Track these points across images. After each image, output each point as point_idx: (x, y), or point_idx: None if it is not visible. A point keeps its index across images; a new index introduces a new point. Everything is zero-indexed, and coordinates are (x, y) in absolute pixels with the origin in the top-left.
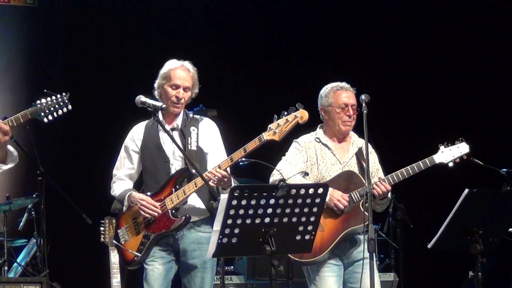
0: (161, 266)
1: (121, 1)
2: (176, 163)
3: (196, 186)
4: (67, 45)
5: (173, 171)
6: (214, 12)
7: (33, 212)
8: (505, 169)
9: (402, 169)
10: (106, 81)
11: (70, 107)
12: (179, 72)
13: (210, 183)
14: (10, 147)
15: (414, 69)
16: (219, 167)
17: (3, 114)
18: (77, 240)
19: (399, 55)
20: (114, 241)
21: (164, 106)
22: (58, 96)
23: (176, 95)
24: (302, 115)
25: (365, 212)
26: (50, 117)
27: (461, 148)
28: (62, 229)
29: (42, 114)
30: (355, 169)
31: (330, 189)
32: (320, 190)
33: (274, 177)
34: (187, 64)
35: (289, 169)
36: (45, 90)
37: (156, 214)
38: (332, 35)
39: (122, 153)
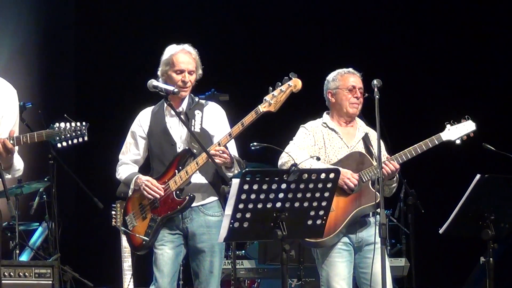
0: (170, 250)
1: None
2: (183, 147)
3: (198, 165)
4: (78, 27)
5: None
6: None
7: (44, 196)
8: None
9: (410, 148)
10: (115, 65)
11: (86, 138)
12: (182, 56)
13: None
14: (17, 162)
15: (421, 48)
16: (219, 144)
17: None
18: (89, 224)
19: (406, 34)
20: (122, 227)
21: (176, 90)
22: (78, 124)
23: (182, 79)
24: (295, 83)
25: (375, 191)
26: (64, 143)
27: (467, 126)
28: (74, 213)
29: (57, 138)
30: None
31: (340, 168)
32: (332, 175)
33: (283, 159)
34: (187, 47)
35: (298, 152)
36: (65, 115)
37: (158, 196)
38: (339, 17)
39: (129, 138)
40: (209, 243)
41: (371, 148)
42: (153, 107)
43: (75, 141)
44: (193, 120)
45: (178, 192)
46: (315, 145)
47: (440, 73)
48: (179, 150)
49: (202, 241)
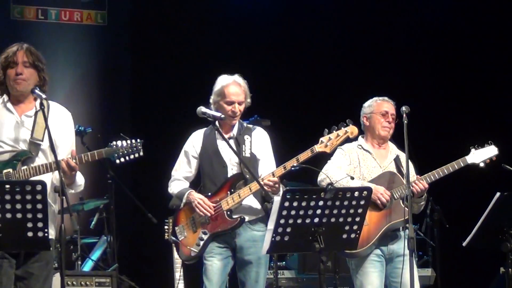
0: (219, 261)
1: (182, 20)
2: (233, 168)
3: (250, 191)
4: (133, 58)
5: (230, 175)
6: (269, 26)
7: (104, 212)
8: None
9: (438, 169)
10: (168, 90)
11: (141, 153)
12: (232, 88)
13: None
14: (78, 178)
15: (447, 79)
16: (273, 175)
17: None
18: (144, 237)
19: (433, 66)
20: (172, 237)
21: (223, 116)
22: (133, 141)
23: (232, 109)
24: (352, 130)
25: (405, 207)
26: (122, 159)
27: (490, 150)
28: (130, 228)
29: (116, 155)
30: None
31: (373, 185)
32: (365, 193)
33: (321, 177)
34: (237, 78)
35: (335, 170)
36: (121, 134)
37: (209, 214)
38: (373, 49)
39: (182, 157)
40: (256, 256)
41: (402, 168)
42: (205, 129)
43: (131, 156)
44: (243, 145)
45: (229, 212)
46: (350, 165)
47: (465, 100)
48: (230, 171)
49: (249, 253)
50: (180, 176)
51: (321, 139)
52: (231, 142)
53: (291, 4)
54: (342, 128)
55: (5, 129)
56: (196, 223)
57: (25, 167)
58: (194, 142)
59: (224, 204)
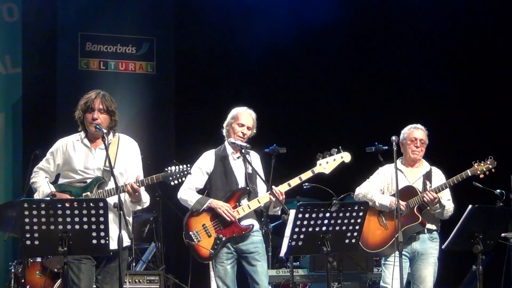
0: (229, 266)
1: (217, 70)
2: (242, 184)
3: (259, 203)
4: (177, 100)
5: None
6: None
7: (153, 224)
8: (498, 190)
9: (445, 181)
10: (205, 126)
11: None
12: (244, 115)
13: (272, 200)
14: (144, 197)
15: (457, 108)
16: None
17: None
18: (185, 243)
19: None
20: (187, 240)
21: (248, 146)
22: (183, 167)
23: (241, 131)
24: (346, 156)
25: (419, 215)
26: (176, 182)
27: (490, 164)
28: (174, 236)
29: (170, 178)
30: (420, 187)
31: (392, 198)
32: (362, 207)
33: (356, 192)
34: (249, 109)
35: (367, 185)
36: (174, 161)
37: (234, 219)
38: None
39: (196, 172)
40: (259, 253)
41: (427, 182)
42: (215, 150)
43: (183, 179)
44: (247, 163)
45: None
46: (383, 182)
47: (472, 125)
48: (239, 186)
49: (254, 252)
50: (193, 187)
51: (318, 161)
52: (240, 160)
53: (305, 42)
54: (337, 154)
55: (84, 161)
56: (208, 229)
57: (100, 190)
58: (208, 160)
59: (235, 213)
